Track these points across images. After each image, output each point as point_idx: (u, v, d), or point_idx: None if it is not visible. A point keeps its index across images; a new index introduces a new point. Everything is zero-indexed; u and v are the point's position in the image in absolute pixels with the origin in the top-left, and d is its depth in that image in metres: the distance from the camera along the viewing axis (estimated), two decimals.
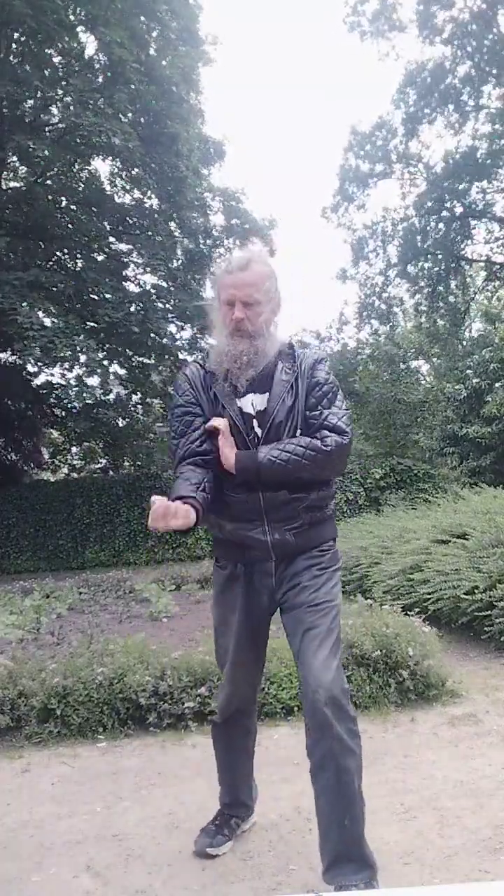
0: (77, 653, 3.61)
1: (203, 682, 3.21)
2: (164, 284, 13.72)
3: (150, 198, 14.08)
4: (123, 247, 14.45)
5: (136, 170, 13.07)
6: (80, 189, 13.80)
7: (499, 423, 13.77)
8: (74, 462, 17.16)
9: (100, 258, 13.94)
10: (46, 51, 12.13)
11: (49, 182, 13.45)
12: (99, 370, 11.73)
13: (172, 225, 14.01)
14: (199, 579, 7.73)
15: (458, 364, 16.79)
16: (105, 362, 12.56)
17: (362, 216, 24.07)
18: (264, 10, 51.78)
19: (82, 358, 11.15)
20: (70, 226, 13.39)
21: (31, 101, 12.10)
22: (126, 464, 15.49)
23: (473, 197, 18.03)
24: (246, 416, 1.95)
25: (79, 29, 12.24)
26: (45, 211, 12.67)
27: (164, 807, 2.51)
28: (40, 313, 10.75)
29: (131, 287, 13.98)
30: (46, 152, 11.50)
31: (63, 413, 14.01)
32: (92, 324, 12.14)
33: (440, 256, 18.42)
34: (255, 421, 1.94)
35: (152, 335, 12.65)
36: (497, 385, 14.62)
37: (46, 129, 12.56)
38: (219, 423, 1.92)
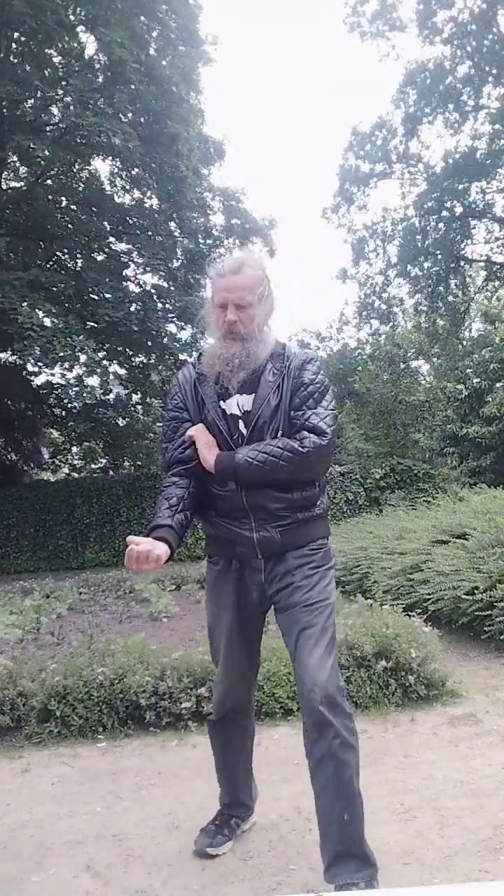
0: (77, 653, 3.61)
1: (203, 683, 3.21)
2: (164, 284, 13.73)
3: (150, 198, 14.09)
4: (123, 247, 14.46)
5: (136, 170, 13.08)
6: (80, 189, 13.81)
7: (499, 423, 13.79)
8: (74, 462, 17.17)
9: (100, 258, 13.95)
10: (46, 51, 12.14)
11: (49, 182, 13.46)
12: (99, 370, 11.74)
13: (172, 225, 14.02)
14: (198, 579, 7.72)
15: (458, 364, 16.81)
16: (105, 362, 12.57)
17: (362, 216, 24.14)
18: (264, 10, 51.82)
19: (82, 358, 11.16)
20: (70, 226, 13.39)
21: (31, 101, 12.11)
22: (126, 464, 15.50)
23: (473, 197, 18.04)
24: (230, 417, 1.97)
25: (79, 29, 12.24)
26: (45, 211, 12.68)
27: (164, 807, 2.51)
28: (40, 313, 10.75)
29: (131, 287, 13.98)
30: (46, 152, 11.50)
31: (63, 413, 14.01)
32: (92, 324, 12.15)
33: (440, 256, 18.42)
34: (241, 421, 1.96)
35: (152, 335, 12.65)
36: (497, 385, 14.64)
37: (46, 129, 12.56)
38: (193, 432, 1.98)
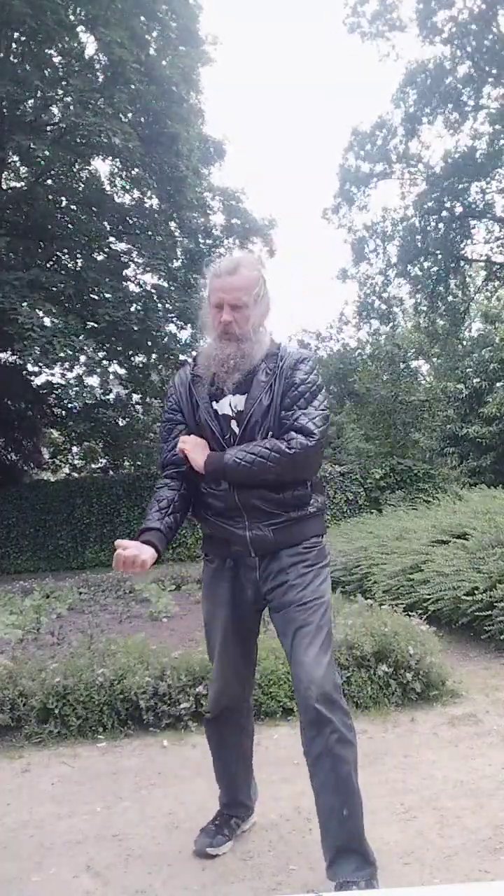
0: (77, 653, 3.61)
1: (201, 681, 3.21)
2: (165, 284, 13.72)
3: (150, 198, 14.09)
4: (123, 247, 14.45)
5: (136, 170, 13.08)
6: (80, 189, 13.81)
7: (499, 423, 13.79)
8: (74, 462, 17.17)
9: (100, 258, 13.95)
10: (46, 51, 12.14)
11: (49, 182, 13.46)
12: (99, 370, 11.75)
13: (172, 225, 14.02)
14: (198, 579, 7.70)
15: (458, 364, 16.80)
16: (105, 362, 12.58)
17: (363, 216, 24.12)
18: (264, 10, 51.84)
19: (82, 358, 11.17)
20: (70, 226, 13.39)
21: (31, 101, 12.10)
22: (126, 464, 15.50)
23: (473, 197, 18.04)
24: (222, 417, 1.98)
25: (79, 29, 12.24)
26: (45, 211, 12.68)
27: (164, 807, 2.51)
28: (40, 313, 10.75)
29: (131, 287, 13.99)
30: (46, 152, 11.51)
31: (63, 413, 14.02)
32: (92, 324, 12.15)
33: (440, 256, 18.42)
34: (233, 421, 1.97)
35: (152, 335, 12.66)
36: (497, 385, 14.65)
37: (46, 129, 12.56)
38: (182, 444, 1.99)
